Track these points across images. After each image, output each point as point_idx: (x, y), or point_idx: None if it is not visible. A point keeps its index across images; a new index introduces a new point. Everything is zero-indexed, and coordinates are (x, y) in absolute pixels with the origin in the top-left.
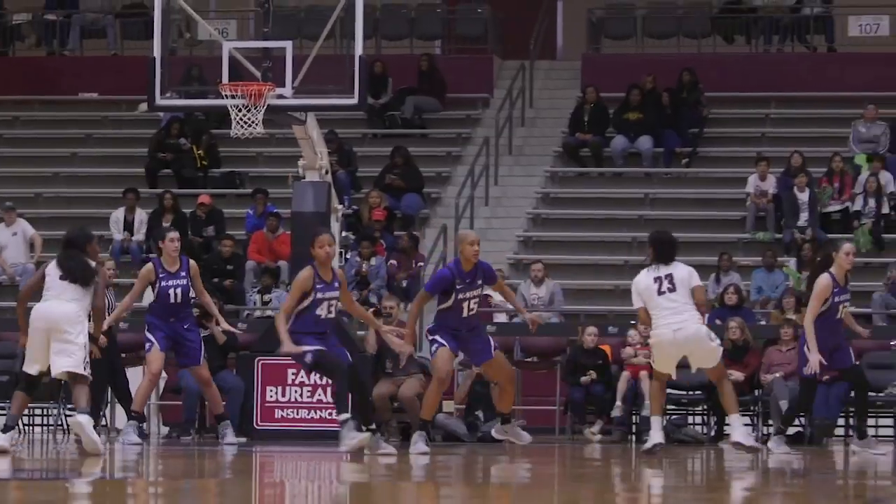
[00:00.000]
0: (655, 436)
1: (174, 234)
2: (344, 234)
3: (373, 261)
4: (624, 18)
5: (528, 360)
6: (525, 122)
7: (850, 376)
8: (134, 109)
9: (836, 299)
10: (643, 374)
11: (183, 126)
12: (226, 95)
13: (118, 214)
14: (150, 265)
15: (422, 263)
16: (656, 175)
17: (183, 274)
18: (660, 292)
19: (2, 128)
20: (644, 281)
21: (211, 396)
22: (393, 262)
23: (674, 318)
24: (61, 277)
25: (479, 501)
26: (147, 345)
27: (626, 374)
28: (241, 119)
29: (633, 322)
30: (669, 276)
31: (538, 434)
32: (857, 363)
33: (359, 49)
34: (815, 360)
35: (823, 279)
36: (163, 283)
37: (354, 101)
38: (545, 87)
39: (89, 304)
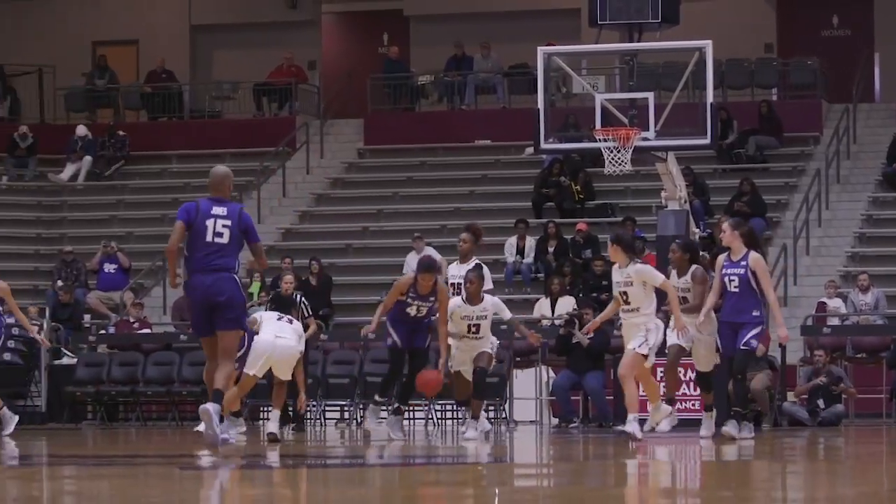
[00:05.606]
0: None
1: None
2: (701, 254)
3: None
4: None
5: (858, 356)
6: (850, 156)
7: None
8: (521, 153)
9: None
10: None
11: (563, 166)
12: (599, 139)
13: (511, 241)
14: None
15: None
16: None
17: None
18: None
19: (411, 171)
20: None
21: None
22: None
23: None
24: None
25: (828, 469)
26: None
27: None
28: (612, 158)
29: None
30: None
31: (867, 419)
32: None
33: (709, 97)
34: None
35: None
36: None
37: (707, 141)
38: (866, 126)
39: None
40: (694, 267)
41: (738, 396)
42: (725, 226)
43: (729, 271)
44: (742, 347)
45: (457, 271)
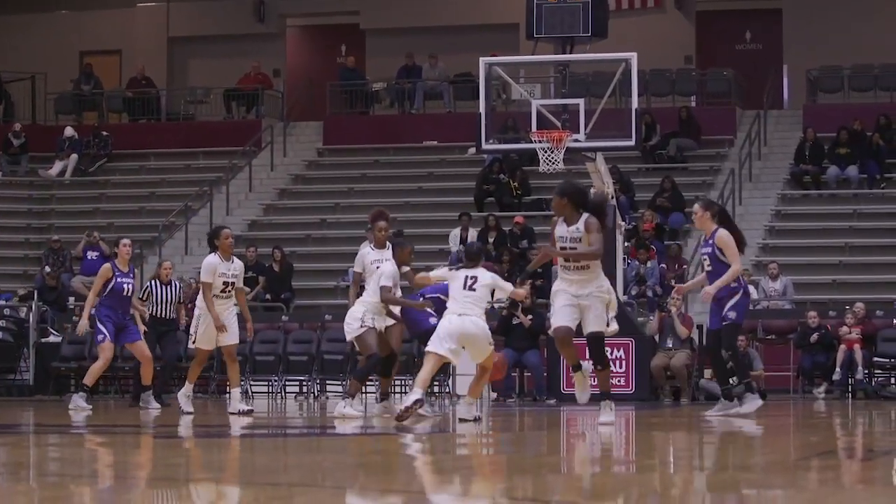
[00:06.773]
0: None
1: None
2: (626, 244)
3: (648, 264)
4: (834, 77)
5: (768, 337)
6: (761, 157)
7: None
8: (464, 153)
9: None
10: (856, 346)
11: (502, 164)
12: (535, 141)
13: (455, 232)
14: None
15: (685, 266)
16: (862, 195)
17: None
18: None
19: (365, 168)
20: None
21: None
22: (663, 265)
23: None
24: None
25: (731, 440)
26: None
27: (843, 347)
28: (546, 158)
29: (847, 307)
30: None
31: (777, 394)
32: None
33: (634, 103)
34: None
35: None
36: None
37: (632, 142)
38: (776, 130)
39: None
40: (586, 215)
41: (738, 370)
42: (696, 207)
43: (702, 251)
44: (724, 323)
45: (378, 255)
